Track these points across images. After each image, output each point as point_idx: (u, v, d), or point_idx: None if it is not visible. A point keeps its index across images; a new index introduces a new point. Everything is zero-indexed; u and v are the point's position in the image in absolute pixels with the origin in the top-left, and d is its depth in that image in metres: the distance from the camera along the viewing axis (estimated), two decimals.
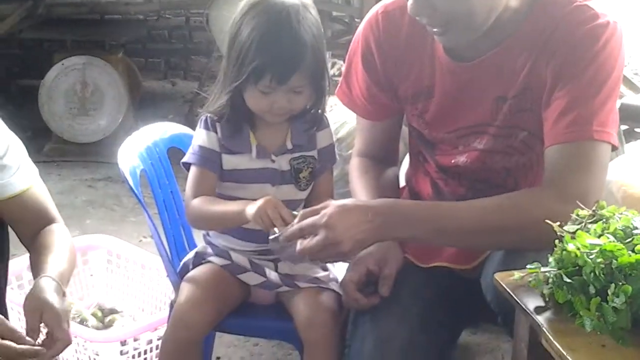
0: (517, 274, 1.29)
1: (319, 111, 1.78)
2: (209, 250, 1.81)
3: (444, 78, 1.67)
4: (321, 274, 1.79)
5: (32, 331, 1.52)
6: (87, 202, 3.60)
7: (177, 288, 1.80)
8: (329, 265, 1.82)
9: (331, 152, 1.82)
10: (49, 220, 1.75)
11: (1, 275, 1.77)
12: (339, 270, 1.82)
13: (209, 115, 1.74)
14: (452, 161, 1.71)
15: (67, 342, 1.55)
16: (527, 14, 1.58)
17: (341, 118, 2.60)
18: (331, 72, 4.75)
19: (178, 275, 1.83)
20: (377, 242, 1.60)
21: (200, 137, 1.74)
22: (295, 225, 1.54)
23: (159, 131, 2.02)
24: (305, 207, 1.73)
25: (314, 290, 1.75)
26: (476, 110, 1.65)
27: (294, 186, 1.76)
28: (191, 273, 1.78)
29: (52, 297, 1.55)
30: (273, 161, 1.74)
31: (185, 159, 1.77)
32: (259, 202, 1.61)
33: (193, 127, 1.84)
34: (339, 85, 1.85)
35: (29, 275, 1.94)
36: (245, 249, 1.78)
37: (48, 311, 1.54)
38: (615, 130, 1.54)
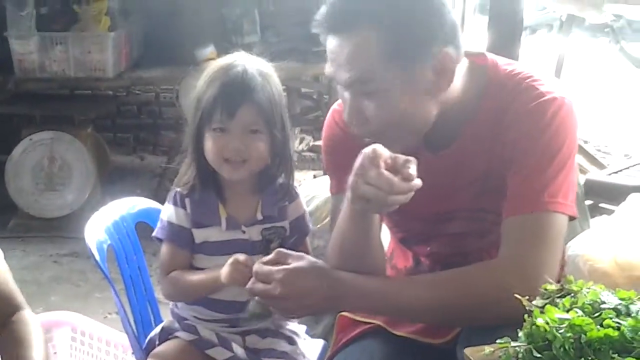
0: (487, 349, 1.28)
1: (288, 182, 1.79)
2: (176, 325, 1.79)
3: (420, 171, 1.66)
4: (288, 348, 1.77)
5: None
6: (52, 278, 3.55)
7: None
8: (296, 339, 1.80)
9: (303, 223, 1.82)
10: (16, 307, 1.70)
11: None
12: (306, 345, 1.80)
13: (177, 190, 1.74)
14: (427, 249, 1.72)
15: None
16: (480, 98, 1.60)
17: (310, 192, 2.61)
18: (299, 147, 4.81)
19: (144, 352, 1.80)
20: (326, 312, 1.60)
21: (168, 212, 1.75)
22: (254, 266, 1.56)
23: (126, 206, 2.02)
24: None
25: None
26: (443, 198, 1.66)
27: (263, 255, 1.75)
28: (157, 349, 1.76)
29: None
30: (244, 232, 1.74)
31: (155, 233, 1.77)
32: (228, 263, 1.64)
33: (162, 202, 1.84)
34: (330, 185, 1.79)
35: None
36: (213, 319, 1.76)
37: None
38: (571, 200, 1.56)
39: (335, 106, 1.75)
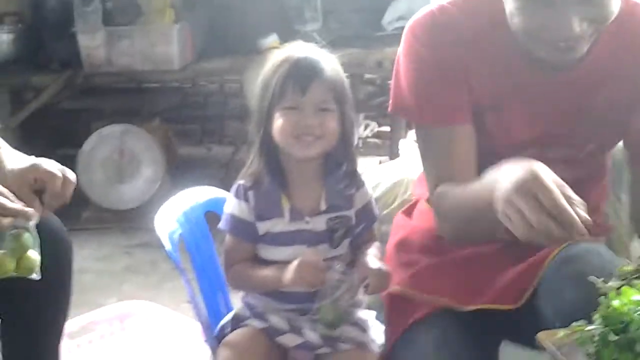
0: (562, 332, 1.26)
1: (353, 169, 1.78)
2: (247, 313, 1.81)
3: (520, 88, 1.63)
4: (361, 335, 1.76)
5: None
6: (124, 269, 3.61)
7: (215, 352, 1.79)
8: (369, 325, 1.80)
9: (370, 210, 1.81)
10: None
11: None
12: (377, 331, 1.79)
13: (241, 183, 1.76)
14: None
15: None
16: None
17: (376, 178, 2.60)
18: (364, 133, 4.79)
19: (216, 340, 1.82)
20: None
21: (232, 205, 1.76)
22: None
23: (195, 196, 2.03)
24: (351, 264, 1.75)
25: (354, 352, 1.73)
26: (551, 122, 1.63)
27: (328, 245, 1.76)
28: (229, 337, 1.77)
29: (37, 161, 1.62)
30: (307, 222, 1.74)
31: (220, 225, 1.80)
32: (294, 266, 1.64)
33: (229, 192, 1.86)
34: (405, 106, 1.70)
35: None
36: (284, 309, 1.77)
37: (40, 168, 1.60)
38: None
39: (418, 17, 1.66)
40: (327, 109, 1.68)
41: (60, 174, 1.64)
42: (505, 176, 1.33)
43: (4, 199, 1.57)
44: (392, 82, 1.74)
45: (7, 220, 1.58)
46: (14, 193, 1.61)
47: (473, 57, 1.63)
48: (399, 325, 1.68)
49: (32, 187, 1.63)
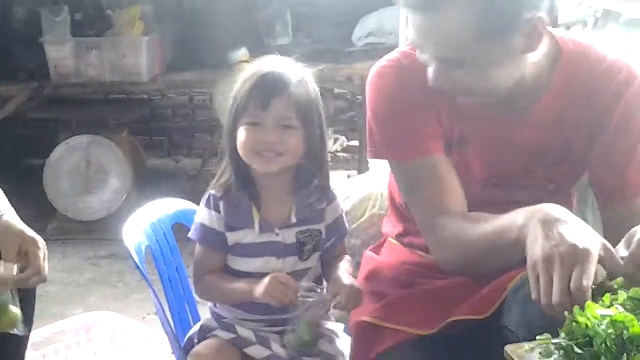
0: (527, 346, 1.27)
1: (324, 183, 1.78)
2: (214, 323, 1.80)
3: (478, 126, 1.66)
4: (328, 347, 1.77)
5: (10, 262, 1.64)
6: (90, 280, 3.59)
7: None
8: (335, 338, 1.80)
9: (341, 224, 1.82)
10: None
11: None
12: (344, 343, 1.80)
13: (212, 193, 1.75)
14: None
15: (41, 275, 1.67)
16: (552, 68, 1.61)
17: (345, 192, 2.61)
18: (333, 147, 4.81)
19: (183, 351, 1.81)
20: None
21: (203, 214, 1.76)
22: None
23: (163, 207, 2.03)
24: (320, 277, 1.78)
25: None
26: (507, 162, 1.66)
27: (297, 258, 1.76)
28: (196, 348, 1.77)
29: (25, 228, 1.70)
30: (277, 234, 1.74)
31: (190, 234, 1.79)
32: (266, 281, 1.64)
33: (197, 204, 1.86)
34: (390, 147, 1.71)
35: None
36: (252, 319, 1.77)
37: (27, 239, 1.67)
38: None
39: (383, 63, 1.70)
40: (289, 126, 1.68)
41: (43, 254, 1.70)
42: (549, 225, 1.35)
43: None
44: (367, 133, 1.75)
45: None
46: None
47: (439, 95, 1.64)
48: (364, 356, 1.69)
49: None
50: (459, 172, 1.67)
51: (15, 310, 1.67)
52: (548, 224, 1.35)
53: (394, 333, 1.65)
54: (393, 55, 1.72)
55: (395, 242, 1.85)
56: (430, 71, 1.57)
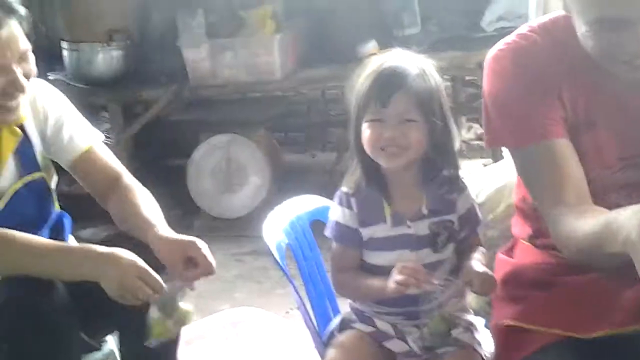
0: None
1: (454, 173, 1.78)
2: (354, 317, 1.84)
3: (609, 105, 1.61)
4: (466, 336, 1.77)
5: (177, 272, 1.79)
6: (236, 276, 3.70)
7: (324, 358, 1.82)
8: (477, 329, 1.80)
9: (473, 215, 1.81)
10: (117, 173, 2.00)
11: None
12: (484, 336, 1.80)
13: (344, 190, 1.79)
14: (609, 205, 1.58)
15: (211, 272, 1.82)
16: None
17: (480, 182, 2.59)
18: (467, 135, 4.75)
19: (324, 345, 1.86)
20: None
21: (336, 212, 1.80)
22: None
23: (301, 205, 2.08)
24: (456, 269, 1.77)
25: (458, 354, 1.74)
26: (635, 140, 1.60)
27: (431, 249, 1.77)
28: (337, 338, 1.82)
29: (180, 236, 1.82)
30: (409, 227, 1.76)
31: (326, 232, 1.84)
32: (393, 274, 1.65)
33: (332, 198, 1.89)
34: (499, 131, 1.68)
35: None
36: (390, 312, 1.79)
37: (187, 245, 1.79)
38: None
39: (501, 46, 1.67)
40: (411, 120, 1.69)
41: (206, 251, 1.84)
42: None
43: (154, 276, 1.76)
44: (483, 120, 1.72)
45: (156, 295, 1.76)
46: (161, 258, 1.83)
47: (561, 75, 1.60)
48: (513, 359, 1.64)
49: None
50: (590, 155, 1.62)
51: (187, 307, 1.81)
52: None
53: (540, 335, 1.60)
54: (510, 38, 1.68)
55: (527, 243, 1.81)
56: (627, 41, 1.47)
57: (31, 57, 1.79)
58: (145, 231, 1.86)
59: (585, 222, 1.48)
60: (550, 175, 1.59)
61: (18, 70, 1.74)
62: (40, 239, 1.81)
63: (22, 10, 1.76)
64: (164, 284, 1.76)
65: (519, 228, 1.84)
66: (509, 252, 1.86)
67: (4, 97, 1.75)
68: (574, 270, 1.64)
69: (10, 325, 1.68)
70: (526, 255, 1.80)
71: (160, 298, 1.76)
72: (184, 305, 1.81)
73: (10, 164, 1.88)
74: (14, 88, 1.75)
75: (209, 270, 1.82)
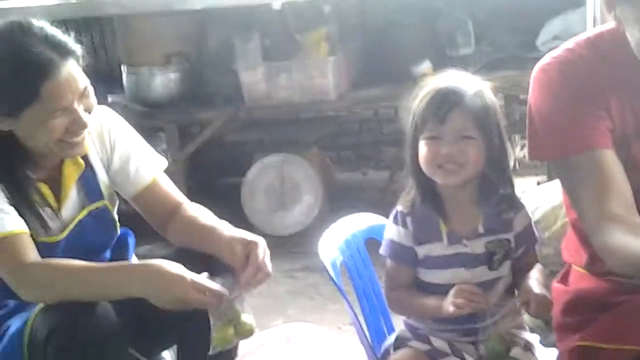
0: None
1: (510, 191, 1.78)
2: (409, 334, 1.86)
3: None
4: (524, 355, 1.76)
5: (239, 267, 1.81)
6: (288, 292, 3.73)
7: None
8: (534, 347, 1.80)
9: (530, 233, 1.81)
10: (177, 204, 2.01)
11: None
12: (541, 354, 1.80)
13: (399, 210, 1.81)
14: None
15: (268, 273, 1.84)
16: None
17: (535, 200, 2.59)
18: (521, 153, 4.73)
19: None
20: None
21: (392, 231, 1.82)
22: None
23: (355, 223, 2.10)
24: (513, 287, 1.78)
25: None
26: None
27: (487, 267, 1.77)
28: (392, 357, 1.83)
29: (246, 233, 1.86)
30: (466, 246, 1.77)
31: (381, 250, 1.86)
32: (451, 294, 1.68)
33: (385, 216, 1.92)
34: (546, 143, 1.68)
35: None
36: (446, 329, 1.80)
37: (252, 244, 1.82)
38: None
39: (547, 60, 1.67)
40: (469, 137, 1.70)
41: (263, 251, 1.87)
42: None
43: (206, 283, 1.78)
44: (527, 132, 1.72)
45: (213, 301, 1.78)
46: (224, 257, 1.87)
47: (607, 88, 1.61)
48: None
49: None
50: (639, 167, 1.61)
51: (249, 320, 1.83)
52: None
53: (612, 354, 1.59)
54: (557, 52, 1.69)
55: (581, 270, 1.78)
56: None
57: (91, 91, 1.84)
58: (210, 237, 1.90)
59: (637, 239, 1.47)
60: (595, 185, 1.58)
61: (80, 109, 1.80)
62: (82, 264, 1.80)
63: (79, 49, 1.82)
64: (220, 289, 1.77)
65: (572, 253, 1.81)
66: (564, 280, 1.83)
67: (69, 135, 1.81)
68: (637, 290, 1.62)
69: (57, 357, 1.71)
70: (582, 281, 1.77)
71: (218, 305, 1.78)
72: (246, 316, 1.82)
73: (73, 194, 1.93)
74: (77, 127, 1.81)
75: (260, 270, 1.83)
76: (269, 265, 1.85)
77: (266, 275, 1.85)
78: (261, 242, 1.87)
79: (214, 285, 1.78)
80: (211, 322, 1.79)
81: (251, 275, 1.82)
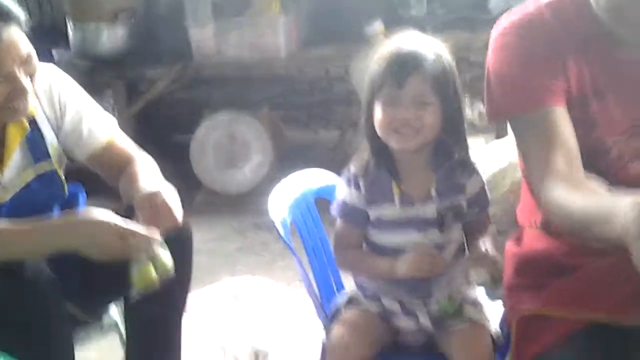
0: None
1: (464, 156, 1.79)
2: (360, 294, 1.87)
3: (616, 74, 1.62)
4: (475, 313, 1.79)
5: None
6: (237, 249, 3.74)
7: (327, 330, 1.85)
8: (483, 304, 1.82)
9: (483, 196, 1.82)
10: (130, 159, 2.02)
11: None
12: (489, 308, 1.83)
13: (352, 171, 1.80)
14: (630, 172, 1.60)
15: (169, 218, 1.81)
16: None
17: (483, 161, 2.61)
18: (471, 115, 4.76)
19: (329, 318, 1.89)
20: None
21: (344, 192, 1.81)
22: None
23: (306, 179, 2.10)
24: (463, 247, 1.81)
25: (469, 330, 1.76)
26: None
27: (438, 231, 1.79)
28: (344, 315, 1.84)
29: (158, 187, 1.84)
30: (417, 209, 1.77)
31: (332, 211, 1.85)
32: (411, 258, 1.69)
33: (337, 174, 1.91)
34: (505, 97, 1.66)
35: None
36: (397, 289, 1.81)
37: (154, 195, 1.81)
38: None
39: (507, 23, 1.67)
40: (426, 102, 1.70)
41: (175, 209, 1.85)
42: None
43: (139, 229, 1.77)
44: (485, 93, 1.71)
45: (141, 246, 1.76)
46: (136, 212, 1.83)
47: (566, 51, 1.61)
48: (531, 350, 1.60)
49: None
50: (602, 124, 1.62)
51: (167, 259, 1.79)
52: None
53: (564, 323, 1.57)
54: (516, 15, 1.69)
55: (533, 231, 1.77)
56: None
57: (34, 56, 1.79)
58: (130, 191, 1.89)
59: (578, 196, 1.48)
60: (541, 141, 1.59)
61: (21, 75, 1.76)
62: (2, 226, 1.77)
63: (21, 14, 1.77)
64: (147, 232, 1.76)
65: (527, 214, 1.80)
66: (518, 241, 1.84)
67: (10, 102, 1.77)
68: (595, 253, 1.57)
69: None
70: (536, 242, 1.76)
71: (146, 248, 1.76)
72: (164, 254, 1.78)
73: (17, 156, 1.89)
74: (18, 93, 1.77)
75: (168, 219, 1.82)
76: (173, 211, 1.83)
77: (167, 220, 1.82)
78: (169, 192, 1.86)
79: (140, 228, 1.76)
80: (130, 265, 1.76)
81: (150, 218, 1.80)
